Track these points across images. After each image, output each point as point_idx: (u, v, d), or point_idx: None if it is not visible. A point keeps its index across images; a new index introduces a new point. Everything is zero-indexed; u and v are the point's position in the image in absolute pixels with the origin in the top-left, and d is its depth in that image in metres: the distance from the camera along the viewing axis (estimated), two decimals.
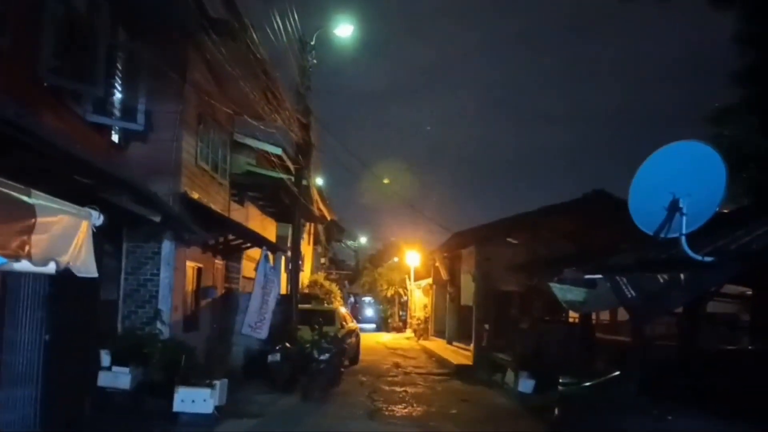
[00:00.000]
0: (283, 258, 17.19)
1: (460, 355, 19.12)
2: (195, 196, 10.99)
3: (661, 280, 5.68)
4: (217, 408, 9.04)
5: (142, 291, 10.06)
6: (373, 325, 37.15)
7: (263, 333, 12.36)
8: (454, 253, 21.22)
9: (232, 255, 14.50)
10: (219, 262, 13.49)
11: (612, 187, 16.06)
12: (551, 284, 8.32)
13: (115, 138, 9.80)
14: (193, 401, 8.80)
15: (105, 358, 8.96)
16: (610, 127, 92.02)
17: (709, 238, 5.94)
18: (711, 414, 5.73)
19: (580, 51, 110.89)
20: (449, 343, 22.27)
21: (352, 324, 19.76)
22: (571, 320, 16.33)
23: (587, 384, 7.14)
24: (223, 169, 13.27)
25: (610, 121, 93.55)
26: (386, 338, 30.32)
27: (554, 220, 16.00)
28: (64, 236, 3.87)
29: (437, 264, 24.39)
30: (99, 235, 8.95)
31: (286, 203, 15.94)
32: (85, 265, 4.12)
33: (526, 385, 12.59)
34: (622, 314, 14.28)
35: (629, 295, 5.97)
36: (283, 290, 16.08)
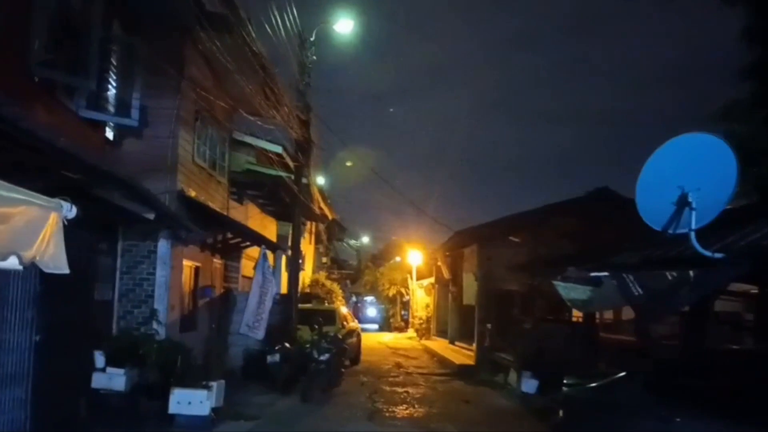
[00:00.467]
0: (283, 257, 17.04)
1: (462, 354, 18.94)
2: (192, 194, 10.81)
3: (670, 278, 5.50)
4: (213, 410, 8.84)
5: (137, 290, 9.87)
6: (376, 325, 36.95)
7: (260, 333, 12.17)
8: (456, 252, 21.06)
9: (231, 254, 14.32)
10: (217, 261, 13.31)
11: (615, 187, 15.94)
12: (555, 283, 8.13)
13: (109, 134, 9.60)
14: (189, 403, 8.61)
15: (99, 359, 8.76)
16: (614, 126, 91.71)
17: (716, 235, 5.76)
18: (719, 416, 5.55)
19: (583, 51, 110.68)
20: (451, 342, 22.09)
21: (352, 324, 19.59)
22: (574, 319, 16.18)
23: (592, 385, 6.94)
24: (221, 166, 13.08)
25: (613, 120, 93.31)
26: (388, 338, 30.14)
27: (557, 219, 15.84)
28: (28, 229, 3.62)
29: (439, 263, 24.23)
30: (94, 234, 8.82)
31: (287, 202, 15.77)
32: (54, 261, 3.88)
33: (529, 385, 12.42)
34: (626, 313, 14.09)
35: (636, 293, 5.79)
36: (284, 290, 15.91)
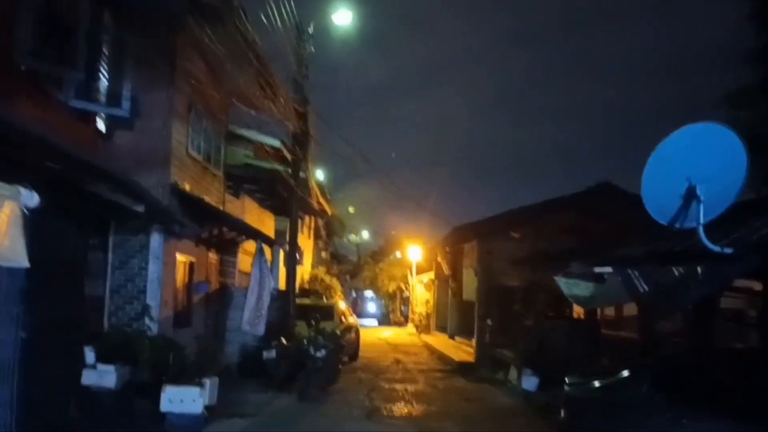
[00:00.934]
0: (282, 252, 16.83)
1: (462, 351, 18.76)
2: (186, 187, 10.59)
3: (677, 273, 5.29)
4: (207, 408, 8.65)
5: (129, 286, 9.65)
6: (375, 321, 36.79)
7: (261, 329, 11.98)
8: (456, 248, 20.87)
9: (228, 249, 14.11)
10: (213, 256, 13.10)
11: (617, 182, 15.70)
12: (557, 278, 7.93)
13: (101, 126, 9.37)
14: (181, 401, 8.41)
15: (89, 356, 8.56)
16: (614, 121, 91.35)
17: (725, 229, 5.54)
18: (728, 416, 5.36)
19: (581, 46, 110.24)
20: (451, 338, 21.93)
21: (351, 319, 19.41)
22: (575, 316, 15.98)
23: (595, 384, 6.74)
24: (217, 160, 12.85)
25: (613, 115, 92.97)
26: (387, 334, 29.96)
27: (558, 214, 15.61)
28: None
29: (439, 258, 24.05)
30: (84, 228, 8.61)
31: (284, 196, 15.56)
32: (13, 253, 3.61)
33: (529, 382, 12.26)
34: (628, 310, 13.88)
35: (642, 290, 5.58)
36: (282, 285, 15.71)
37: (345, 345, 15.10)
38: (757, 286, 10.03)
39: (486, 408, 11.21)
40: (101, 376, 8.48)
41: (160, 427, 8.26)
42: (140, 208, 7.51)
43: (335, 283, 27.70)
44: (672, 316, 9.30)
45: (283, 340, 12.24)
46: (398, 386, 13.25)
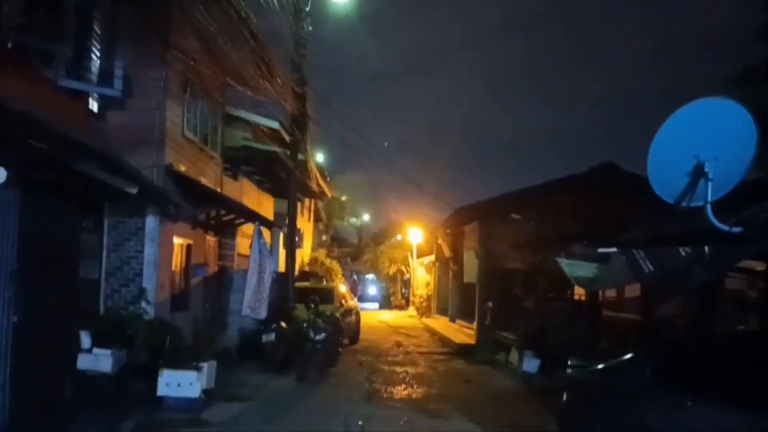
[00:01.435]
0: (281, 234, 16.68)
1: (463, 333, 18.70)
2: (182, 168, 10.41)
3: (683, 254, 5.13)
4: (204, 391, 8.57)
5: (125, 269, 9.52)
6: (376, 304, 36.76)
7: (262, 313, 11.88)
8: (457, 230, 20.72)
9: (226, 231, 13.96)
10: (211, 239, 12.95)
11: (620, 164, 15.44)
12: (559, 259, 7.78)
13: (93, 106, 9.17)
14: (178, 385, 8.33)
15: (85, 340, 8.45)
16: (617, 106, 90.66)
17: (732, 208, 5.37)
18: (732, 400, 5.22)
19: (583, 30, 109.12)
20: (452, 321, 21.86)
21: (351, 302, 19.32)
22: (576, 297, 15.87)
23: (597, 367, 6.60)
24: (214, 141, 12.65)
25: (615, 100, 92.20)
26: (388, 316, 29.93)
27: (560, 195, 15.41)
28: None
29: (440, 241, 23.91)
30: (77, 210, 8.45)
31: (283, 178, 15.38)
32: None
33: (530, 364, 12.18)
34: (629, 291, 13.76)
35: (647, 270, 5.42)
36: (282, 268, 15.59)
37: (345, 328, 15.03)
38: (759, 266, 9.86)
39: (486, 390, 11.13)
40: (97, 360, 8.39)
41: (157, 411, 8.17)
42: (133, 190, 7.33)
43: (336, 266, 27.60)
44: (676, 298, 9.18)
45: (282, 323, 12.15)
46: (398, 369, 13.17)
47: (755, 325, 10.52)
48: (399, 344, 17.92)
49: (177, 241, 10.78)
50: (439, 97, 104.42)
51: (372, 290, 39.11)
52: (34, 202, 7.31)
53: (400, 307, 34.75)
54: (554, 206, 15.23)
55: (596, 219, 13.22)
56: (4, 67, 6.79)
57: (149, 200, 9.02)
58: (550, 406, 8.95)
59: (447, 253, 22.70)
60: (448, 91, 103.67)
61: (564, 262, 7.72)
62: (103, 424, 7.57)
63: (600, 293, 13.55)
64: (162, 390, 8.29)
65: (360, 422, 8.29)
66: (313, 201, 28.41)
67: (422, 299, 29.35)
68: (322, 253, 29.02)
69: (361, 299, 34.81)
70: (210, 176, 12.35)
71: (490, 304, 16.23)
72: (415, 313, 29.87)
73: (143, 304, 9.34)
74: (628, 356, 6.53)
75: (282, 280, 14.24)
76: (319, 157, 27.18)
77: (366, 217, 48.84)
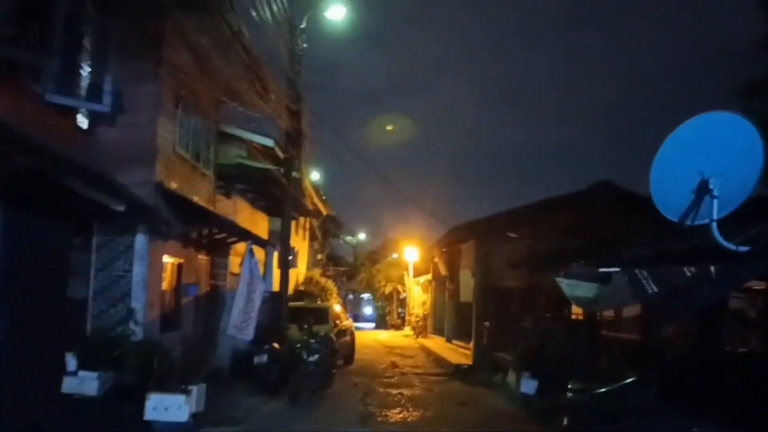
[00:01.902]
0: (275, 254, 16.45)
1: (459, 353, 18.44)
2: (173, 186, 10.22)
3: (688, 274, 4.94)
4: (194, 415, 8.30)
5: (113, 288, 9.27)
6: (372, 323, 36.41)
7: (249, 333, 11.58)
8: (453, 248, 20.54)
9: (219, 250, 13.74)
10: (203, 258, 12.72)
11: (619, 182, 15.31)
12: (558, 279, 7.59)
13: (82, 122, 8.97)
14: (166, 409, 8.04)
15: (71, 362, 8.20)
16: (616, 120, 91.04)
17: (738, 226, 5.20)
18: (740, 424, 5.04)
19: (585, 43, 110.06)
20: (448, 341, 21.60)
21: (346, 322, 19.05)
22: (574, 317, 15.66)
23: (600, 390, 6.40)
24: (206, 158, 12.47)
25: (616, 114, 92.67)
26: (384, 336, 29.62)
27: (557, 213, 15.24)
28: None
29: (436, 259, 23.72)
30: (65, 228, 8.25)
31: (277, 196, 15.20)
32: None
33: (528, 385, 11.91)
34: (628, 310, 13.54)
35: (650, 291, 5.23)
36: (276, 287, 15.35)
37: (339, 348, 14.76)
38: (758, 285, 9.66)
39: (483, 413, 10.87)
40: (83, 383, 8.13)
41: None
42: (120, 207, 7.13)
43: (330, 285, 27.31)
44: (680, 319, 8.98)
45: (275, 344, 11.89)
46: (393, 391, 12.90)
47: (756, 344, 10.33)
48: (394, 365, 17.63)
49: (168, 259, 10.56)
50: (435, 114, 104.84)
51: (367, 309, 38.75)
52: (20, 219, 7.12)
53: (396, 327, 34.41)
54: (551, 224, 15.05)
55: (594, 236, 13.07)
56: None
57: (139, 218, 8.82)
58: (550, 429, 8.73)
59: (443, 271, 22.50)
60: (443, 108, 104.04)
61: (563, 282, 7.53)
62: None
63: (598, 313, 13.35)
64: (149, 414, 8.01)
65: None
66: (308, 219, 28.22)
67: (418, 319, 29.06)
68: (317, 272, 28.74)
69: (356, 319, 34.50)
70: (202, 194, 12.16)
71: (486, 323, 16.01)
72: (411, 332, 29.57)
73: (132, 325, 9.09)
74: (631, 379, 6.34)
75: (275, 300, 13.99)
76: (315, 176, 27.04)
77: (362, 235, 48.65)
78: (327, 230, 36.44)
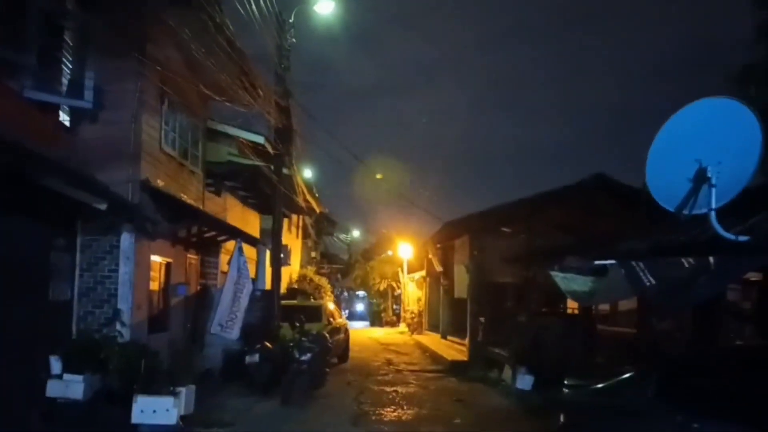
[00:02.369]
0: (267, 252, 16.26)
1: (454, 350, 18.29)
2: (159, 183, 10.01)
3: (687, 265, 4.79)
4: (182, 417, 8.10)
5: (99, 289, 9.06)
6: (366, 321, 36.25)
7: (234, 333, 11.36)
8: (447, 244, 20.39)
9: (209, 249, 13.55)
10: (192, 257, 12.52)
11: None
12: (553, 273, 7.42)
13: (64, 119, 8.75)
14: (154, 411, 7.83)
15: (55, 365, 8.00)
16: (610, 120, 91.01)
17: (736, 216, 5.05)
18: (741, 420, 4.88)
19: (578, 43, 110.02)
20: (444, 337, 21.45)
21: (340, 320, 18.89)
22: (569, 311, 15.54)
23: (596, 386, 6.24)
24: (194, 156, 12.25)
25: (610, 113, 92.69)
26: (379, 333, 29.47)
27: (552, 208, 15.08)
28: None
29: (430, 255, 23.57)
30: (48, 228, 8.03)
31: (267, 193, 15.00)
32: None
33: (524, 381, 11.81)
34: (623, 304, 13.42)
35: (647, 284, 5.08)
36: (268, 285, 15.16)
37: (333, 347, 14.57)
38: (753, 276, 9.51)
39: (479, 410, 10.72)
40: (67, 386, 7.93)
41: None
42: (102, 206, 6.92)
43: (324, 283, 27.13)
44: (678, 312, 8.84)
45: (267, 343, 11.71)
46: (388, 388, 12.74)
47: (751, 336, 10.21)
48: (389, 362, 17.48)
49: (155, 259, 10.34)
50: (432, 111, 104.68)
51: (362, 307, 38.56)
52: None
53: (391, 324, 34.27)
54: (546, 219, 14.91)
55: (589, 230, 12.94)
56: None
57: (124, 217, 8.60)
58: (546, 425, 8.58)
59: (437, 267, 22.35)
60: (438, 106, 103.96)
61: (558, 276, 7.38)
62: None
63: (593, 307, 13.23)
64: (137, 417, 7.80)
65: None
66: (301, 217, 28.00)
67: (413, 315, 28.93)
68: (310, 270, 28.55)
69: (351, 316, 34.31)
70: (191, 192, 11.95)
71: (482, 319, 15.86)
72: (406, 329, 29.44)
73: (118, 326, 8.88)
74: (628, 375, 6.18)
75: (267, 298, 13.80)
76: (307, 173, 26.83)
77: (356, 232, 48.47)
78: (321, 228, 36.23)
